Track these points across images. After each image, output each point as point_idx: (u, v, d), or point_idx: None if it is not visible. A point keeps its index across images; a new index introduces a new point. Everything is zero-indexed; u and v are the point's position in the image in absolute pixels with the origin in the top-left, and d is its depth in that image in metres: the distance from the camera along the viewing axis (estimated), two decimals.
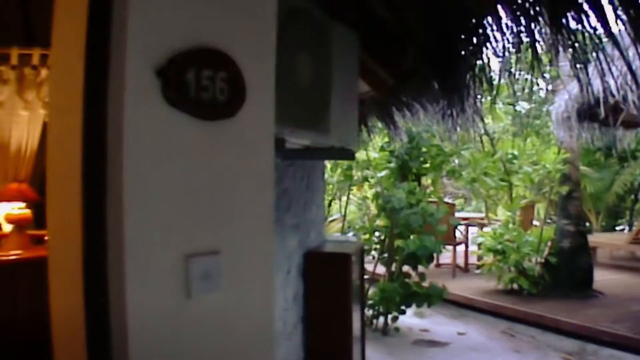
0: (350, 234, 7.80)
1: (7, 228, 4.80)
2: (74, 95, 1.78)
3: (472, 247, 9.90)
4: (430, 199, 7.29)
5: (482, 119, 4.49)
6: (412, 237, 6.77)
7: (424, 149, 7.42)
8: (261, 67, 1.96)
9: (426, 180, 8.09)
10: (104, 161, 1.65)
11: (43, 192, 4.59)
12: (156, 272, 1.68)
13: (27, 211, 4.68)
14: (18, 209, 4.66)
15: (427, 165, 7.58)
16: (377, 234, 7.13)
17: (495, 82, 3.59)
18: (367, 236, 7.11)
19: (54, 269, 2.08)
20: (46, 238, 4.31)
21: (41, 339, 3.93)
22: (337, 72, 2.91)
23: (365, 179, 7.71)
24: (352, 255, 3.66)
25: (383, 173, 7.31)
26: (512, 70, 3.37)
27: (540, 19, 2.81)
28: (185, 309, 1.75)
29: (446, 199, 10.33)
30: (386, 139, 7.12)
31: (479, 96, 3.83)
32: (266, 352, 2.02)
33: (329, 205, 9.16)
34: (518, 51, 3.12)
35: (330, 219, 9.35)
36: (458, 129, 4.53)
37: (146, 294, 1.66)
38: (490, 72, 3.54)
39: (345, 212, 8.40)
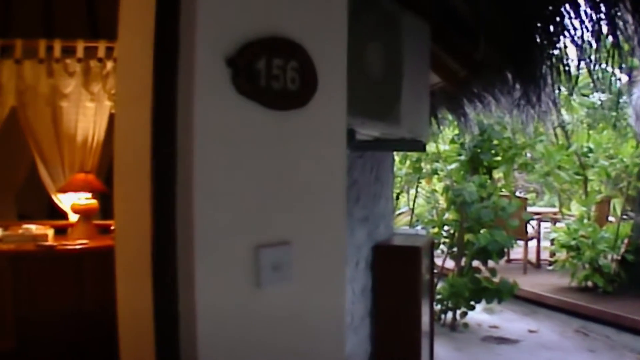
0: (419, 227, 7.72)
1: (74, 218, 4.94)
2: (142, 86, 1.78)
3: (545, 243, 9.66)
4: (501, 193, 7.16)
5: (559, 111, 4.37)
6: (482, 231, 6.67)
7: (495, 142, 7.27)
8: (332, 56, 1.93)
9: (497, 174, 7.94)
10: (173, 151, 1.65)
11: (109, 183, 4.73)
12: (226, 262, 1.68)
13: (94, 201, 4.80)
14: (85, 199, 4.78)
15: (499, 158, 7.42)
16: (446, 227, 7.06)
17: (572, 72, 3.48)
18: (436, 230, 7.03)
19: (121, 259, 2.11)
20: (112, 228, 4.44)
21: (107, 328, 4.03)
22: (408, 63, 2.87)
23: (435, 171, 7.62)
24: (422, 248, 3.62)
25: (453, 166, 7.22)
26: (591, 59, 3.26)
27: (621, 5, 2.71)
28: (254, 300, 1.74)
29: (517, 193, 10.12)
30: (456, 131, 7.03)
31: (555, 87, 3.72)
32: (336, 346, 2.01)
33: (397, 198, 9.09)
34: (597, 40, 3.03)
35: (398, 212, 9.28)
36: (532, 120, 4.42)
37: (215, 285, 1.66)
38: (567, 61, 3.43)
39: (413, 205, 8.32)
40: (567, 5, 3.02)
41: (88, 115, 5.05)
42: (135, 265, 1.98)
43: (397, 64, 2.83)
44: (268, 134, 1.76)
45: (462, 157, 7.26)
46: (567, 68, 3.48)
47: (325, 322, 1.96)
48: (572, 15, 3.03)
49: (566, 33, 3.16)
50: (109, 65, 5.02)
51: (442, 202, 7.64)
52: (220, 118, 1.66)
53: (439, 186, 8.31)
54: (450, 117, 5.56)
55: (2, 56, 4.97)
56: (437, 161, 7.44)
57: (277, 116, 1.77)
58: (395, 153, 5.39)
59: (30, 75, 5.01)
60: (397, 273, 3.57)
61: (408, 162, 7.74)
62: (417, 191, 8.41)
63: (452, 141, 7.45)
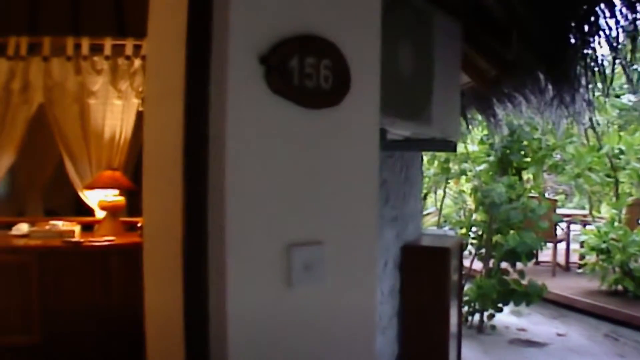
0: (446, 228, 7.67)
1: (100, 214, 4.96)
2: (173, 84, 1.78)
3: (574, 245, 9.51)
4: (530, 194, 7.08)
5: (593, 112, 4.29)
6: (511, 232, 6.60)
7: (524, 142, 7.19)
8: (366, 55, 1.90)
9: (526, 175, 7.85)
10: (206, 149, 1.65)
11: (135, 180, 4.74)
12: (258, 261, 1.67)
13: (121, 198, 4.81)
14: (112, 196, 4.79)
15: (528, 159, 7.34)
16: (474, 228, 6.99)
17: (607, 73, 3.41)
18: (463, 231, 6.98)
19: (150, 256, 2.12)
20: (139, 225, 4.44)
21: (132, 324, 4.05)
22: (439, 62, 2.84)
23: (463, 172, 7.56)
24: (451, 249, 3.58)
25: (482, 167, 7.15)
26: (626, 60, 3.19)
27: None
28: (285, 300, 1.72)
29: (546, 195, 10.00)
30: (485, 132, 6.96)
31: (590, 88, 3.65)
32: (367, 347, 1.98)
33: (424, 198, 9.02)
34: (632, 40, 2.96)
35: (425, 212, 9.21)
36: (564, 121, 4.35)
37: (247, 284, 1.65)
38: (602, 62, 3.36)
39: (441, 205, 8.26)
40: (602, 5, 2.95)
41: (115, 112, 5.06)
42: (164, 263, 1.98)
43: (428, 63, 2.80)
44: (301, 133, 1.75)
45: (491, 158, 7.19)
46: (601, 68, 3.41)
47: (356, 323, 1.94)
48: (607, 14, 2.96)
49: (601, 33, 3.09)
50: (137, 63, 5.04)
51: (470, 203, 7.58)
52: (253, 116, 1.65)
53: (466, 187, 8.24)
54: (479, 117, 5.50)
55: (30, 53, 4.99)
56: (466, 162, 7.37)
57: (310, 115, 1.75)
58: (423, 153, 5.33)
59: (58, 73, 5.03)
60: (425, 274, 3.53)
61: (436, 162, 7.69)
62: (445, 192, 8.34)
63: (481, 142, 7.38)
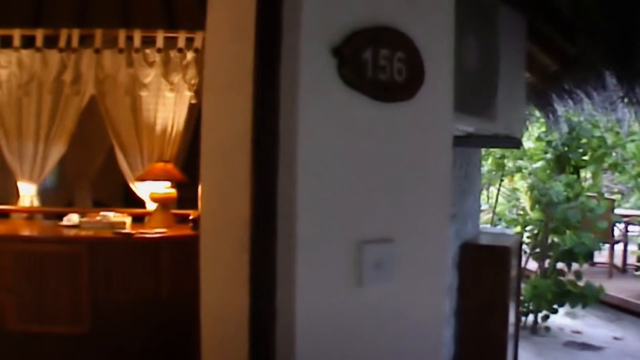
0: (500, 226, 7.52)
1: (151, 206, 4.96)
2: (236, 76, 1.77)
3: (632, 247, 9.32)
4: (588, 193, 6.90)
5: None
6: (568, 232, 6.44)
7: (583, 140, 7.00)
8: (439, 47, 1.84)
9: (584, 173, 7.66)
10: (276, 142, 1.60)
11: (185, 172, 4.71)
12: (328, 258, 1.62)
13: (173, 191, 4.79)
14: (164, 188, 4.77)
15: (587, 157, 7.15)
16: (529, 227, 6.83)
17: None
18: (518, 229, 6.84)
19: (208, 251, 2.08)
20: (191, 217, 4.42)
21: (182, 317, 4.04)
22: (504, 56, 2.78)
23: (519, 169, 7.40)
24: (511, 248, 3.48)
25: (538, 164, 6.99)
26: None
27: None
28: (355, 299, 1.68)
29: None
30: (543, 129, 6.80)
31: None
32: (434, 347, 1.93)
33: None
34: None
35: None
36: (629, 119, 4.20)
37: (316, 282, 1.61)
38: None
39: (495, 203, 8.11)
40: None
41: (167, 105, 5.06)
42: (224, 258, 1.96)
43: (493, 57, 2.74)
44: (374, 127, 1.69)
45: (548, 155, 7.03)
46: None
47: (424, 323, 1.88)
48: None
49: None
50: (189, 55, 5.01)
51: (523, 201, 7.42)
52: (325, 110, 1.60)
53: (519, 184, 8.08)
54: (537, 113, 5.35)
55: (81, 45, 5.00)
56: (522, 159, 7.21)
57: (383, 108, 1.69)
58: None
59: (110, 65, 5.05)
60: (484, 273, 3.44)
61: (491, 158, 7.54)
62: (499, 189, 8.19)
63: (539, 139, 7.21)
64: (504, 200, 8.52)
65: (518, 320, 4.20)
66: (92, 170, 6.06)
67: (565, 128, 5.99)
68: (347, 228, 1.65)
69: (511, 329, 3.73)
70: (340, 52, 1.59)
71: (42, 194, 5.29)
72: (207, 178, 2.15)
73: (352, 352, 1.70)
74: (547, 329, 6.52)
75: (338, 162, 1.63)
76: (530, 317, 6.57)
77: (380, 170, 1.72)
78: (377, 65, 1.65)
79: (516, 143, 3.20)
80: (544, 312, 6.50)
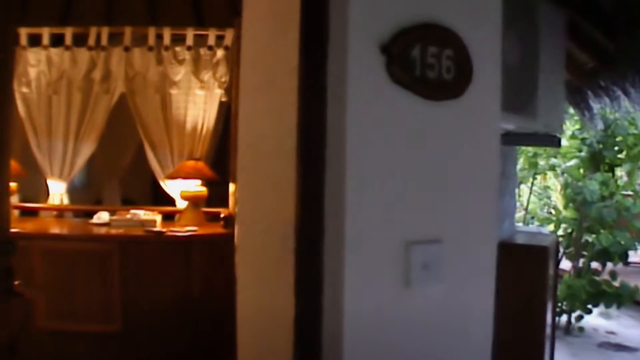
0: (533, 225, 7.42)
1: (181, 204, 4.95)
2: (275, 74, 1.79)
3: None
4: (623, 192, 6.78)
5: None
6: (603, 231, 6.35)
7: (619, 138, 6.88)
8: (487, 45, 1.82)
9: (620, 171, 7.52)
10: (323, 140, 1.59)
11: (214, 170, 4.69)
12: (376, 259, 1.61)
13: (203, 189, 4.77)
14: (195, 186, 4.76)
15: (622, 155, 7.02)
16: (562, 226, 6.73)
17: None
18: (551, 228, 6.74)
19: (246, 251, 2.12)
20: (222, 216, 4.40)
21: (213, 316, 4.02)
22: (544, 53, 2.73)
23: (552, 167, 7.28)
24: (549, 248, 3.41)
25: (572, 162, 6.88)
26: None
27: None
28: (403, 300, 1.66)
29: None
30: (577, 126, 6.69)
31: None
32: (482, 349, 1.91)
33: None
34: None
35: None
36: None
37: (365, 283, 1.59)
38: None
39: (528, 202, 8.00)
40: None
41: (198, 103, 5.06)
42: (263, 257, 1.96)
43: (534, 54, 2.70)
44: (422, 126, 1.67)
45: (583, 153, 6.92)
46: None
47: (473, 326, 1.87)
48: None
49: None
50: (219, 53, 4.99)
51: (555, 199, 7.32)
52: (373, 108, 1.58)
53: (551, 182, 7.97)
54: (572, 110, 5.25)
55: (110, 43, 5.03)
56: (555, 157, 7.11)
57: (431, 107, 1.67)
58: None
59: (140, 63, 5.07)
60: (522, 273, 3.37)
61: (523, 156, 7.43)
62: (532, 187, 8.07)
63: (573, 136, 7.10)
64: (535, 198, 8.42)
65: (554, 321, 4.13)
66: (120, 168, 6.08)
67: (600, 125, 5.88)
68: (395, 228, 1.63)
69: (548, 330, 3.67)
70: (389, 50, 1.57)
71: (71, 192, 5.31)
72: (244, 177, 2.15)
73: (400, 355, 1.67)
74: (581, 329, 6.44)
75: (386, 161, 1.61)
76: (564, 317, 6.49)
77: (428, 170, 1.69)
78: (426, 63, 1.63)
79: (556, 141, 3.15)
80: (578, 312, 6.43)
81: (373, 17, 1.56)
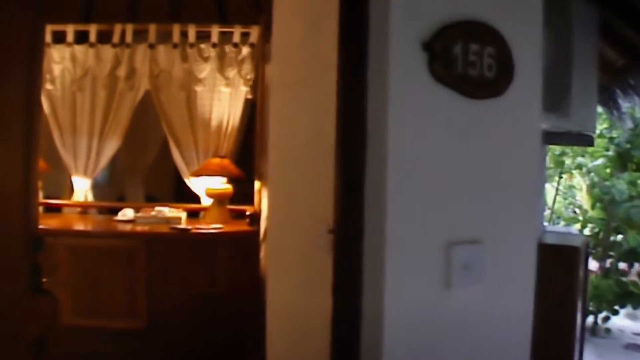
0: (559, 224, 7.34)
1: (206, 201, 4.95)
2: (312, 70, 1.80)
3: None
4: None
5: None
6: (631, 232, 6.26)
7: None
8: (529, 42, 1.80)
9: None
10: (363, 137, 1.58)
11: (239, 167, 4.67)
12: (417, 260, 1.61)
13: (229, 186, 4.76)
14: (221, 183, 4.75)
15: None
16: (589, 226, 6.65)
17: None
18: (577, 227, 6.65)
19: (276, 249, 2.12)
20: (248, 213, 4.38)
21: (239, 313, 4.00)
22: (578, 51, 2.70)
23: (579, 166, 7.19)
24: (580, 249, 3.37)
25: (599, 161, 6.79)
26: None
27: None
28: (443, 301, 1.66)
29: None
30: (605, 125, 6.60)
31: None
32: (522, 351, 1.92)
33: None
34: None
35: None
36: None
37: (406, 283, 1.59)
38: None
39: (554, 201, 7.91)
40: None
41: (223, 100, 5.03)
42: (295, 256, 1.97)
43: (567, 52, 2.66)
44: (464, 125, 1.66)
45: (610, 153, 6.82)
46: None
47: (512, 327, 1.87)
48: None
49: None
50: (245, 50, 4.96)
51: (580, 199, 7.23)
52: (415, 107, 1.57)
53: (575, 182, 7.88)
54: (600, 109, 5.19)
55: (134, 40, 5.02)
56: (582, 156, 7.02)
57: (472, 105, 1.66)
58: None
59: (164, 60, 5.05)
60: (553, 273, 3.32)
61: (549, 154, 7.34)
62: (558, 186, 7.98)
63: (600, 135, 7.00)
64: (560, 198, 8.32)
65: (584, 322, 4.08)
66: (144, 164, 6.07)
67: (629, 124, 5.80)
68: (437, 228, 1.62)
69: (578, 332, 3.62)
70: (431, 47, 1.56)
71: (94, 188, 5.31)
72: (274, 175, 2.13)
73: (440, 356, 1.66)
74: (608, 330, 6.35)
75: (427, 160, 1.60)
76: (590, 318, 6.39)
77: (469, 169, 1.68)
78: (467, 60, 1.62)
79: (589, 140, 3.11)
80: (605, 313, 6.35)
81: (414, 13, 1.54)
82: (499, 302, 1.76)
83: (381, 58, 1.52)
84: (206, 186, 4.79)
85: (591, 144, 3.26)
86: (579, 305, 3.55)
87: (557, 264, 3.34)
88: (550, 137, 3.00)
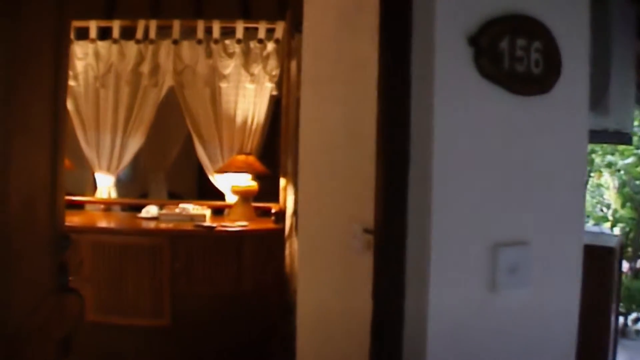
0: (588, 223, 7.24)
1: (230, 199, 4.91)
2: (346, 66, 1.78)
3: None
4: None
5: None
6: None
7: None
8: (576, 37, 1.73)
9: None
10: (407, 135, 1.53)
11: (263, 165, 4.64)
12: (461, 261, 1.55)
13: (254, 183, 4.72)
14: (246, 180, 4.71)
15: None
16: (619, 225, 6.55)
17: None
18: (606, 226, 6.55)
19: (308, 248, 2.09)
20: (273, 211, 4.34)
21: (264, 311, 3.97)
22: (616, 48, 2.63)
23: (609, 165, 7.08)
24: (615, 249, 3.29)
25: (629, 160, 6.68)
26: None
27: None
28: (489, 304, 1.61)
29: None
30: (636, 122, 6.50)
31: None
32: (567, 353, 1.82)
33: None
34: None
35: None
36: None
37: (450, 286, 1.54)
38: None
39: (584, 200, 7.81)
40: None
41: (248, 96, 4.98)
42: (331, 256, 1.94)
43: (606, 48, 2.58)
44: (510, 122, 1.60)
45: None
46: None
47: (558, 332, 1.79)
48: None
49: None
50: (270, 46, 4.91)
51: (608, 197, 7.11)
52: (461, 103, 1.52)
53: (603, 180, 7.76)
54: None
55: (158, 36, 5.00)
56: (613, 154, 6.91)
57: (519, 102, 1.59)
58: None
59: (188, 56, 5.01)
60: (587, 274, 3.25)
61: None
62: (587, 185, 7.86)
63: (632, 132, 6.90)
64: (588, 196, 8.21)
65: (617, 323, 4.01)
66: (167, 161, 6.05)
67: None
68: (482, 229, 1.57)
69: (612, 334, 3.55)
70: (477, 41, 1.50)
71: (117, 185, 5.30)
72: (305, 173, 2.09)
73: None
74: (638, 332, 6.25)
75: (473, 158, 1.54)
76: (621, 320, 6.29)
77: (515, 168, 1.62)
78: (514, 55, 1.56)
79: (627, 139, 3.03)
80: (635, 315, 6.26)
81: (460, 7, 1.49)
82: (544, 306, 1.70)
83: (426, 53, 1.47)
84: (232, 183, 4.75)
85: (630, 143, 3.19)
86: (614, 307, 3.48)
87: (592, 265, 3.26)
88: (590, 136, 2.94)
